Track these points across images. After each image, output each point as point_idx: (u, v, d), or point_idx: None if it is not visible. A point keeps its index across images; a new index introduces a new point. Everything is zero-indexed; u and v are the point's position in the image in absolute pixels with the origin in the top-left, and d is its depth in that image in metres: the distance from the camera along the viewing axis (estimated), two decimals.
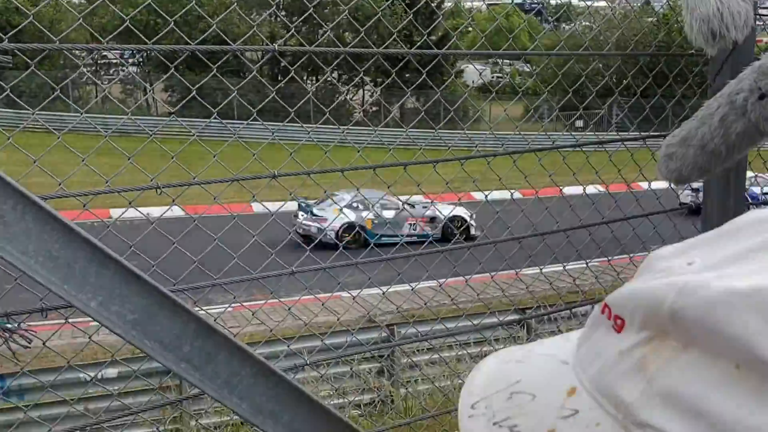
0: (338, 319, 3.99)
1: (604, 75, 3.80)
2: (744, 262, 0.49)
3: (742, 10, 1.64)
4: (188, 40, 2.68)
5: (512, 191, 3.71)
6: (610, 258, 3.95)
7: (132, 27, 2.53)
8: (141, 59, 40.61)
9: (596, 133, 3.81)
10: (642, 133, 3.64)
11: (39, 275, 1.27)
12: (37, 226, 1.29)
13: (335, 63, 3.55)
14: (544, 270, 3.79)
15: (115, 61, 46.24)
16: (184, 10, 3.37)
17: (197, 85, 2.89)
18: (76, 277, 1.33)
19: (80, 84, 41.54)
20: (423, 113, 3.78)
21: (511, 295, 7.93)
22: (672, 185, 1.74)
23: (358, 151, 3.29)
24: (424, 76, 3.08)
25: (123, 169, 2.79)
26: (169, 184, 2.52)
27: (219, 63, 2.91)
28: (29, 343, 8.80)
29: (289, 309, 3.22)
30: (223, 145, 3.49)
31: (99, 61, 41.65)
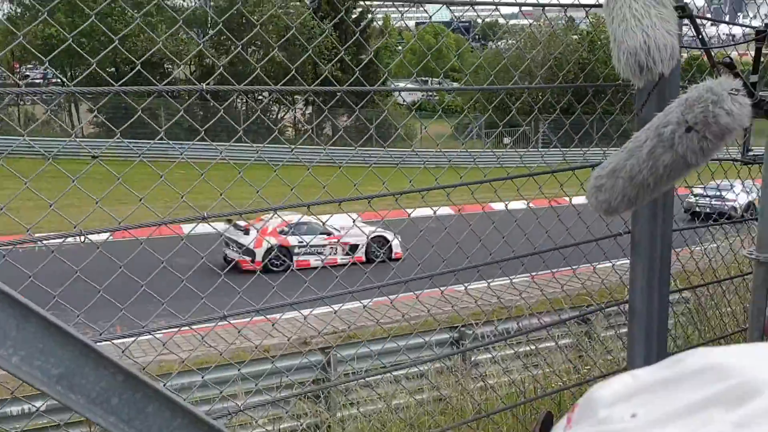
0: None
1: (528, 93, 3.87)
2: (684, 422, 0.49)
3: (668, 44, 1.68)
4: (118, 57, 2.60)
5: (435, 208, 3.70)
6: (534, 273, 4.02)
7: (79, 46, 2.43)
8: (64, 80, 39.58)
9: (522, 151, 3.87)
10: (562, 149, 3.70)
11: None
12: None
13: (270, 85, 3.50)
14: (469, 287, 3.82)
15: (37, 80, 45.02)
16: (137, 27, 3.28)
17: (136, 105, 2.81)
18: None
19: (1, 106, 40.15)
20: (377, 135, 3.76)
21: (442, 313, 7.96)
22: (602, 216, 1.77)
23: (275, 171, 3.20)
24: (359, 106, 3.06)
25: (64, 193, 2.68)
26: (96, 230, 2.42)
27: (165, 85, 2.83)
28: None
29: (239, 331, 3.13)
30: (158, 165, 3.38)
31: (21, 81, 40.38)
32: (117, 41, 2.44)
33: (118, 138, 2.62)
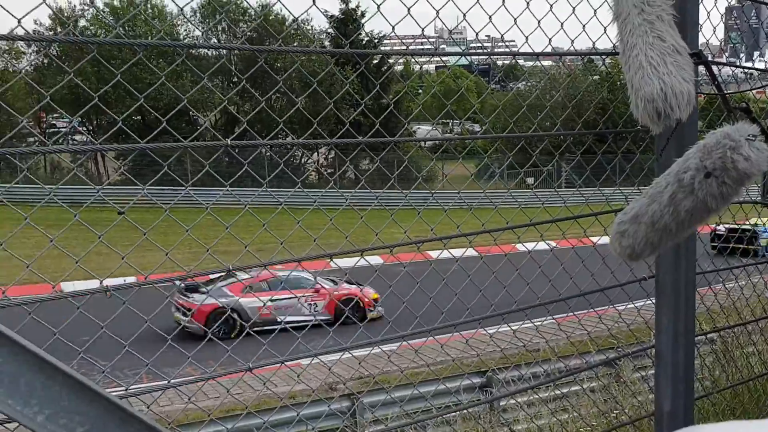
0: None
1: (551, 136, 3.90)
2: None
3: (685, 90, 1.70)
4: (143, 106, 2.65)
5: (457, 253, 3.70)
6: (559, 317, 3.99)
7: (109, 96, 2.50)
8: (90, 128, 40.32)
9: (542, 191, 3.88)
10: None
11: None
12: None
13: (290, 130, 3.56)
14: (494, 333, 3.81)
15: (63, 129, 45.93)
16: (166, 81, 3.37)
17: (160, 155, 2.87)
18: (21, 392, 1.27)
19: (29, 155, 40.86)
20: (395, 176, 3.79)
21: (467, 358, 7.88)
22: (625, 260, 1.78)
23: (330, 219, 3.23)
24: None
25: (90, 250, 2.73)
26: (121, 285, 2.45)
27: (194, 136, 2.89)
28: None
29: (264, 383, 3.13)
30: (179, 212, 3.44)
31: (47, 131, 41.26)
32: (142, 99, 2.51)
33: (143, 194, 2.67)
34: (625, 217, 1.74)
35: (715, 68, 2.31)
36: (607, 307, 4.03)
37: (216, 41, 44.05)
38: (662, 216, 1.65)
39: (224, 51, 42.13)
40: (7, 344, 1.24)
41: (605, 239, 1.96)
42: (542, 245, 3.78)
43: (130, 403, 2.79)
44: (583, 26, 3.45)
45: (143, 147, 2.46)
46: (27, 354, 1.26)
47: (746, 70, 4.44)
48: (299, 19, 2.92)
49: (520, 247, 3.77)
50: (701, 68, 2.23)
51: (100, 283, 2.35)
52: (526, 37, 3.43)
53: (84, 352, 2.49)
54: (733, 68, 4.27)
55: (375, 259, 4.00)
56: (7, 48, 42.64)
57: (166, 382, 2.59)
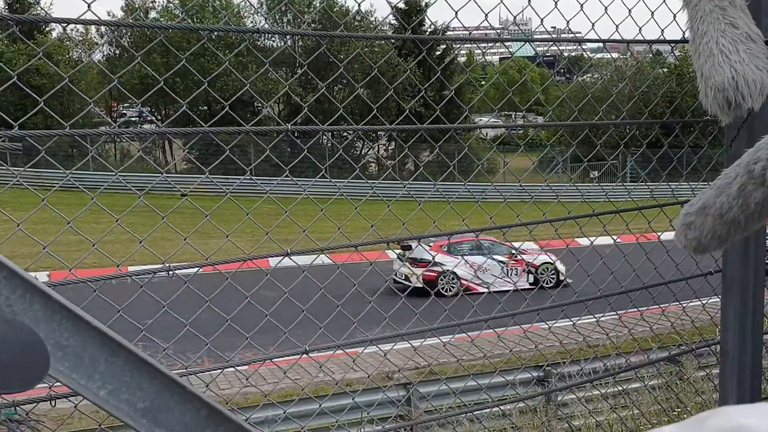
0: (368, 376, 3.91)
1: (614, 127, 3.81)
2: None
3: (758, 78, 1.64)
4: (210, 96, 2.71)
5: (518, 244, 3.68)
6: (621, 312, 3.91)
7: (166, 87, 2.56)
8: (159, 117, 41.29)
9: (606, 185, 3.79)
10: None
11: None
12: (45, 315, 1.29)
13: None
14: (554, 326, 3.76)
15: (133, 119, 47.19)
16: (219, 71, 3.43)
17: (225, 142, 2.92)
18: (85, 366, 1.32)
19: (98, 142, 42.13)
20: (452, 167, 3.78)
21: (525, 351, 7.81)
22: (691, 254, 1.72)
23: (388, 205, 3.26)
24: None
25: (153, 231, 2.80)
26: (183, 265, 2.51)
27: (251, 124, 2.93)
28: None
29: (320, 366, 3.17)
30: (244, 201, 3.49)
31: (117, 120, 42.45)
32: (206, 84, 2.56)
33: (206, 177, 2.73)
34: (692, 208, 1.69)
35: None
36: (670, 303, 3.94)
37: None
38: (731, 208, 1.60)
39: (289, 42, 42.56)
40: (72, 320, 1.28)
41: (670, 234, 1.91)
42: (604, 239, 3.70)
43: (191, 383, 2.85)
44: (652, 13, 3.36)
45: (205, 131, 2.52)
46: (91, 330, 1.30)
47: None
48: (362, 9, 2.93)
49: (581, 241, 3.70)
50: None
51: (163, 263, 2.41)
52: (593, 24, 3.36)
53: (148, 333, 2.56)
54: None
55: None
56: (81, 39, 44.03)
57: (224, 363, 2.64)
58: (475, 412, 3.89)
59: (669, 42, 3.28)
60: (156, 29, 2.26)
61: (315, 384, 10.16)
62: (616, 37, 3.35)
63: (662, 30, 3.44)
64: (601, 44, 3.59)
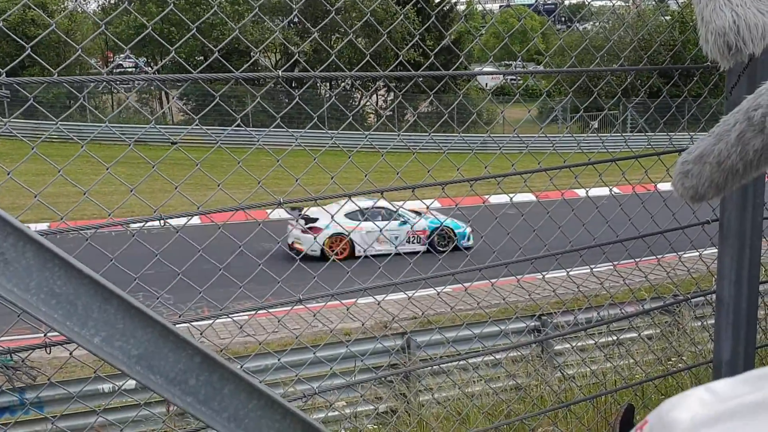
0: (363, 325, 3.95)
1: (614, 76, 3.76)
2: None
3: (759, 23, 1.61)
4: (207, 46, 2.66)
5: (512, 194, 3.64)
6: (616, 263, 3.91)
7: (153, 34, 2.51)
8: (155, 67, 40.84)
9: (604, 135, 3.76)
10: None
11: (41, 313, 1.27)
12: (38, 263, 1.28)
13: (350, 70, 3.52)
14: (548, 276, 3.76)
15: (130, 69, 46.69)
16: (203, 20, 3.37)
17: (219, 92, 2.87)
18: (78, 314, 1.33)
19: (96, 93, 41.85)
20: (449, 116, 3.74)
21: (520, 301, 7.85)
22: (688, 203, 1.71)
23: (348, 157, 3.21)
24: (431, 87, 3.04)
25: (145, 179, 2.79)
26: (174, 215, 2.49)
27: (240, 70, 2.88)
28: (34, 380, 8.83)
29: (314, 315, 3.20)
30: (240, 152, 3.47)
31: (114, 71, 42.01)
32: (195, 30, 2.51)
33: (196, 125, 2.70)
34: (690, 156, 1.67)
35: None
36: (664, 254, 3.93)
37: None
38: (729, 156, 1.58)
39: None
40: (65, 267, 1.28)
41: (668, 184, 1.89)
42: (602, 191, 3.67)
43: (191, 333, 2.87)
44: None
45: (195, 77, 2.48)
46: (84, 278, 1.30)
47: None
48: None
49: (579, 192, 3.69)
50: None
51: (154, 212, 2.40)
52: None
53: (142, 283, 2.57)
54: None
55: (429, 202, 3.97)
56: None
57: (217, 312, 2.65)
58: (469, 360, 3.92)
59: None
60: None
61: (314, 333, 10.27)
62: None
63: None
64: None
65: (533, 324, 9.41)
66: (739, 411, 0.47)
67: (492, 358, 5.87)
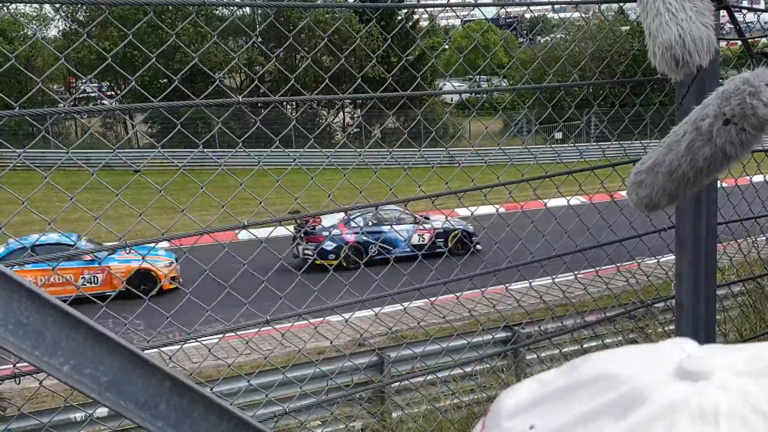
0: (331, 342, 3.97)
1: (581, 88, 3.84)
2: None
3: (704, 36, 1.67)
4: (171, 68, 2.69)
5: (497, 206, 3.72)
6: (597, 268, 3.98)
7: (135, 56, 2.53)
8: (119, 92, 40.50)
9: (559, 147, 3.85)
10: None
11: (9, 344, 1.28)
12: (4, 295, 1.30)
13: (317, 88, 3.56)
14: (533, 283, 3.82)
15: (93, 94, 46.21)
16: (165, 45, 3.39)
17: (183, 117, 2.90)
18: (47, 343, 1.34)
19: (60, 119, 41.35)
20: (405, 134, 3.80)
21: (502, 310, 7.89)
22: (643, 211, 1.77)
23: (344, 175, 3.26)
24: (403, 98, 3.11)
25: (109, 206, 2.79)
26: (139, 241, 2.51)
27: (205, 94, 2.91)
28: (4, 411, 8.67)
29: (282, 335, 3.21)
30: (209, 174, 3.48)
31: (77, 96, 41.56)
32: (154, 59, 2.54)
33: (158, 151, 2.71)
34: (642, 166, 1.73)
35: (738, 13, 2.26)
36: (624, 262, 4.00)
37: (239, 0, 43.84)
38: (680, 165, 1.64)
39: (248, 10, 41.83)
40: (31, 298, 1.30)
41: (623, 193, 1.95)
42: (561, 200, 3.75)
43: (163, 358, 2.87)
44: None
45: (155, 105, 2.50)
46: (51, 307, 1.32)
47: None
48: None
49: (549, 202, 3.75)
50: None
51: (120, 239, 2.41)
52: None
53: (109, 309, 2.57)
54: (758, 16, 4.15)
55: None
56: (35, 14, 42.86)
57: (185, 336, 2.66)
58: (438, 374, 3.96)
59: (618, 1, 3.31)
60: (101, 5, 2.22)
61: (288, 354, 10.21)
62: None
63: None
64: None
65: (503, 335, 9.45)
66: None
67: (465, 370, 5.90)
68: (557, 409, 0.53)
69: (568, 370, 0.56)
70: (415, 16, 40.75)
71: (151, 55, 2.57)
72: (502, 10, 4.28)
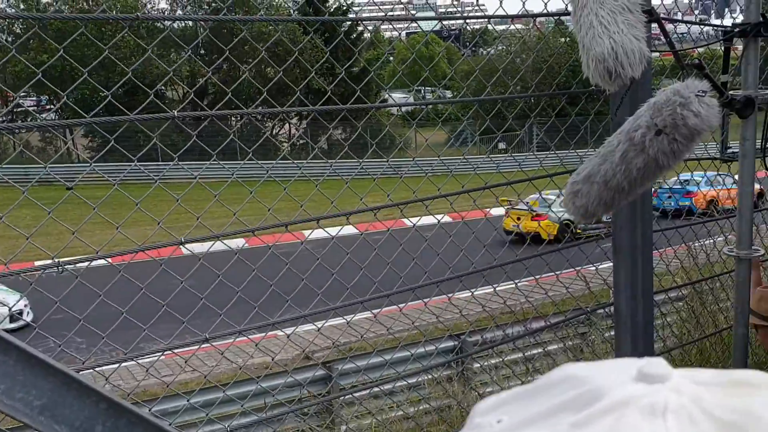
0: (273, 359, 3.93)
1: (504, 96, 3.90)
2: (537, 425, 0.54)
3: (636, 48, 1.71)
4: (111, 81, 2.64)
5: (440, 216, 3.75)
6: (537, 277, 4.04)
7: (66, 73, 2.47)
8: (58, 106, 39.57)
9: (497, 157, 3.92)
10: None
11: None
12: None
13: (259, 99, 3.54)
14: (475, 293, 3.85)
15: (31, 108, 45.04)
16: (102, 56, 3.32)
17: (120, 130, 2.84)
18: None
19: None
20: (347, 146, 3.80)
21: (446, 320, 7.93)
22: (580, 220, 1.80)
23: (284, 188, 3.25)
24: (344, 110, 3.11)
25: (42, 223, 2.72)
26: (74, 259, 2.45)
27: (141, 107, 2.87)
28: None
29: (222, 353, 3.17)
30: (147, 188, 3.42)
31: (15, 110, 40.45)
32: (86, 74, 2.49)
33: (92, 167, 2.66)
34: (578, 177, 1.77)
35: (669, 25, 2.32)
36: (564, 271, 4.08)
37: (180, 13, 43.40)
38: (614, 175, 1.68)
39: (191, 23, 41.41)
40: None
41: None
42: (501, 210, 3.81)
43: (107, 380, 2.81)
44: None
45: (88, 122, 2.45)
46: None
47: (701, 31, 4.43)
48: None
49: (493, 211, 3.81)
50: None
51: (52, 259, 2.35)
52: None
53: (42, 330, 2.50)
54: (689, 27, 4.28)
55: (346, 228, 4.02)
56: None
57: (123, 355, 2.60)
58: (383, 386, 3.96)
59: (552, 15, 3.38)
60: (31, 19, 2.16)
61: (234, 369, 10.07)
62: (501, 12, 3.43)
63: (566, 5, 3.53)
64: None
65: (450, 345, 9.48)
66: (521, 395, 0.58)
67: (409, 382, 5.90)
68: (524, 405, 0.57)
69: (539, 377, 0.60)
70: (359, 28, 40.89)
71: (83, 69, 2.51)
72: (446, 23, 4.32)
